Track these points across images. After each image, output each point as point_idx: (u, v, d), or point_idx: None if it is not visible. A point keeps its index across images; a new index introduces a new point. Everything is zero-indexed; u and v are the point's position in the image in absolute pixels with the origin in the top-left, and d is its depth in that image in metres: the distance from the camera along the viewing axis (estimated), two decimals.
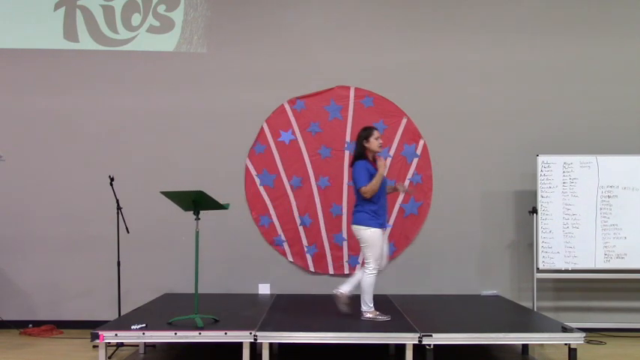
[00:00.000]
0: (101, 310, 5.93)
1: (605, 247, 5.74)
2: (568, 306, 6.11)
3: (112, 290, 5.51)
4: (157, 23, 6.36)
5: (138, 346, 5.16)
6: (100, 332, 4.31)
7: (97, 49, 6.31)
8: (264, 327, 4.47)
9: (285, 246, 6.22)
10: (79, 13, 6.34)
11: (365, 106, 6.23)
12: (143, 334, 4.35)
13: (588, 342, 4.98)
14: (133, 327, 4.36)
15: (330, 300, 4.96)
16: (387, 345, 5.04)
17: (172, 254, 6.12)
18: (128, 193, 5.61)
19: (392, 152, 6.20)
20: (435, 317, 4.98)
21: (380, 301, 4.92)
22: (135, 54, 6.31)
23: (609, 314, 6.07)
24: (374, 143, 4.77)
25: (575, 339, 4.33)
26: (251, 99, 6.23)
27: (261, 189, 6.23)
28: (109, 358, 4.88)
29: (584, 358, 4.91)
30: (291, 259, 6.22)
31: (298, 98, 6.25)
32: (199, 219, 4.65)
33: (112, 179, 5.39)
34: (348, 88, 6.25)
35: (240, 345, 4.34)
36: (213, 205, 4.61)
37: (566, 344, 4.37)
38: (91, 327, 4.59)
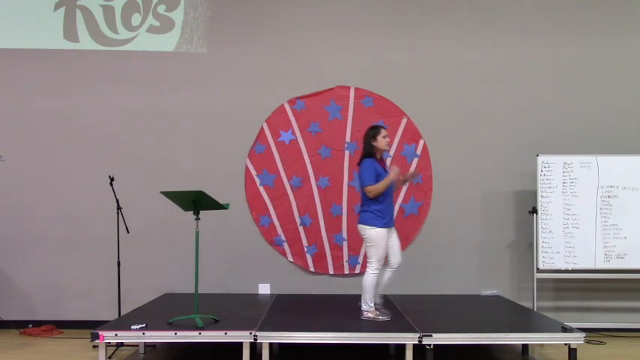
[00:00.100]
0: (101, 310, 5.93)
1: (605, 247, 5.74)
2: (568, 306, 6.11)
3: (112, 290, 5.52)
4: (157, 23, 6.36)
5: (138, 346, 5.16)
6: (100, 332, 4.32)
7: (97, 49, 6.31)
8: (264, 327, 4.47)
9: (285, 246, 6.22)
10: (79, 13, 6.34)
11: (365, 106, 6.23)
12: (143, 334, 4.35)
13: (588, 342, 4.98)
14: (133, 327, 4.36)
15: (330, 300, 4.97)
16: (387, 345, 5.04)
17: (172, 254, 6.12)
18: (128, 193, 5.61)
19: (392, 152, 6.20)
20: (435, 317, 4.98)
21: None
22: (135, 54, 6.31)
23: (609, 314, 6.07)
24: (382, 142, 4.79)
25: (575, 339, 4.33)
26: (251, 99, 6.23)
27: (261, 189, 6.23)
28: (109, 358, 4.88)
29: (584, 358, 4.92)
30: (291, 259, 6.22)
31: (298, 98, 6.25)
32: (199, 219, 4.65)
33: (112, 179, 5.39)
34: (348, 88, 6.25)
35: (240, 345, 4.35)
36: (213, 205, 4.61)
37: (566, 344, 4.37)
38: (91, 327, 4.59)
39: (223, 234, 6.12)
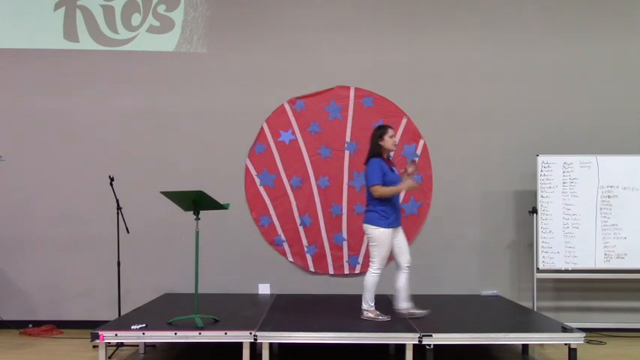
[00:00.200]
0: (101, 310, 5.93)
1: (605, 247, 5.74)
2: (568, 306, 6.11)
3: (112, 290, 5.51)
4: (157, 23, 6.36)
5: (138, 346, 5.16)
6: (100, 332, 4.32)
7: (97, 49, 6.31)
8: (264, 327, 4.47)
9: (285, 246, 6.22)
10: (79, 13, 6.34)
11: (365, 106, 6.23)
12: (143, 334, 4.35)
13: (588, 342, 4.98)
14: (133, 327, 4.36)
15: (330, 300, 4.97)
16: (387, 345, 5.03)
17: (172, 254, 6.12)
18: (128, 193, 5.61)
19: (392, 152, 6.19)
20: (435, 317, 4.97)
21: (380, 301, 4.91)
22: (135, 54, 6.31)
23: (609, 314, 6.07)
24: (388, 142, 4.79)
25: (575, 339, 4.33)
26: (251, 99, 6.23)
27: (261, 189, 6.23)
28: (109, 358, 4.88)
29: (584, 358, 4.91)
30: (291, 259, 6.22)
31: (298, 98, 6.25)
32: (199, 219, 4.66)
33: (112, 179, 5.39)
34: (348, 88, 6.25)
35: (240, 345, 4.34)
36: (213, 205, 4.61)
37: (566, 344, 4.37)
38: (91, 327, 4.59)
39: (223, 234, 6.12)
